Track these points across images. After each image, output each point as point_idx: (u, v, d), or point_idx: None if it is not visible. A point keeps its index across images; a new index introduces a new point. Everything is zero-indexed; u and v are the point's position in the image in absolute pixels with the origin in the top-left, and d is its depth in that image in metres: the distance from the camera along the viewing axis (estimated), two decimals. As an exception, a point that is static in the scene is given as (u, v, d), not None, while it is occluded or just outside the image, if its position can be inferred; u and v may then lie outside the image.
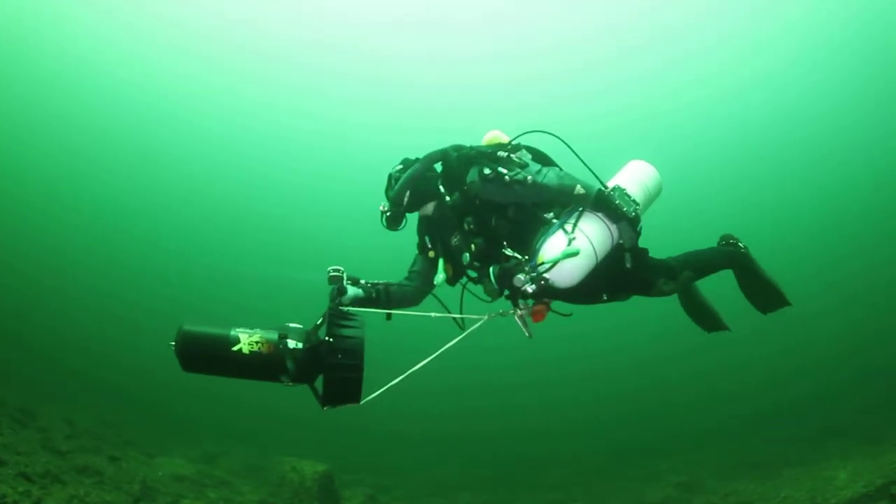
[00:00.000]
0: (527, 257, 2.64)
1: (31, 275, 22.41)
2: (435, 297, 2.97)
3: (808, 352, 16.95)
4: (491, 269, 2.77)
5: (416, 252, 3.11)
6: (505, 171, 2.64)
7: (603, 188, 2.73)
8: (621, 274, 2.87)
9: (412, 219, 3.02)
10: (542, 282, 2.55)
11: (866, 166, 26.43)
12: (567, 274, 2.60)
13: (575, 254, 2.54)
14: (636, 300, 3.01)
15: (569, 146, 2.86)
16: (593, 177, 2.80)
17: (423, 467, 11.61)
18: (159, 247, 28.35)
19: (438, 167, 2.90)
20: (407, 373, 2.37)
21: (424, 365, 2.40)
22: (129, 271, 25.97)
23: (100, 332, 19.87)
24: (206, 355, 2.10)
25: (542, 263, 2.57)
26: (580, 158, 2.83)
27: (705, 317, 3.51)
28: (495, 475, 11.30)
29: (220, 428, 12.34)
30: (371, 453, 11.84)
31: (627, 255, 2.85)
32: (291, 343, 2.17)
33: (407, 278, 3.07)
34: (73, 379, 13.24)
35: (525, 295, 2.63)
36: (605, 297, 2.94)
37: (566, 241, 2.59)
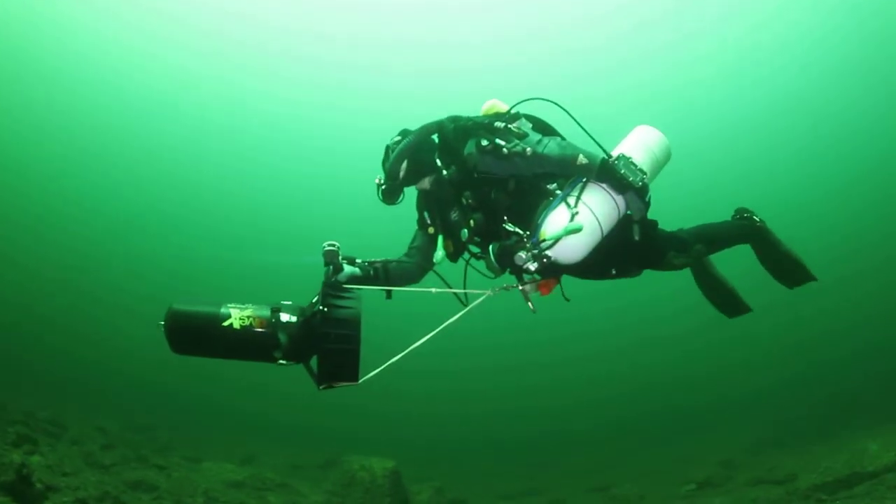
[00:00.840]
0: (528, 233, 2.50)
1: (32, 269, 22.57)
2: (436, 273, 2.84)
3: (815, 326, 16.74)
4: (490, 247, 2.64)
5: (417, 228, 2.99)
6: (503, 142, 2.52)
7: (606, 157, 2.53)
8: (630, 247, 2.70)
9: (409, 195, 2.89)
10: (545, 259, 2.42)
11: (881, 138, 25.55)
12: (571, 250, 2.45)
13: (578, 230, 2.39)
14: (651, 277, 2.87)
15: (569, 114, 2.69)
16: (596, 146, 2.63)
17: (455, 450, 11.67)
18: (149, 234, 28.18)
19: (436, 139, 2.77)
20: (407, 350, 2.22)
21: (425, 342, 2.26)
22: (134, 263, 26.01)
23: (112, 326, 19.88)
24: (196, 334, 1.99)
25: (544, 240, 2.43)
26: (581, 126, 2.67)
27: (723, 297, 3.33)
28: (532, 458, 11.32)
29: (246, 426, 12.33)
30: (403, 442, 11.76)
31: (636, 228, 2.68)
32: (285, 317, 2.06)
33: (406, 255, 2.94)
34: (89, 380, 13.26)
35: (528, 273, 2.50)
36: (613, 272, 2.80)
37: (569, 216, 2.44)
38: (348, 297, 2.14)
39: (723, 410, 12.70)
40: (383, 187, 2.73)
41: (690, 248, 2.92)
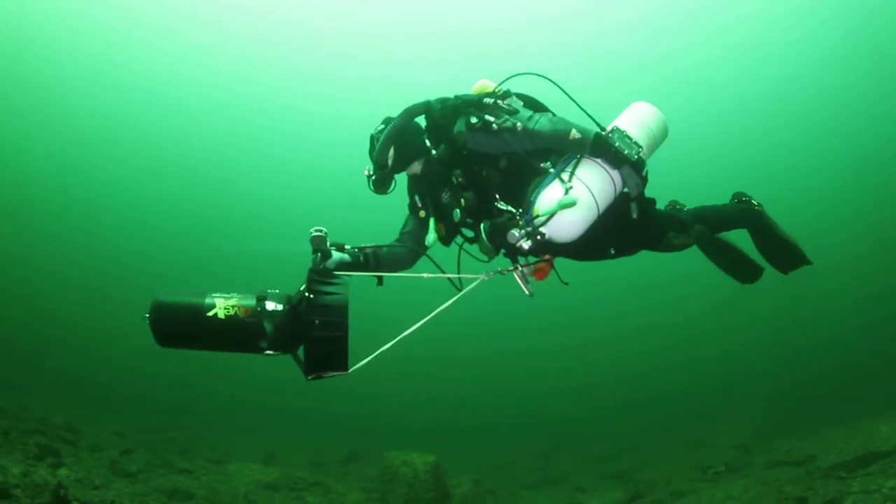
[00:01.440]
0: (521, 210, 2.42)
1: (32, 265, 22.56)
2: (429, 258, 2.75)
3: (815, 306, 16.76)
4: (482, 225, 2.56)
5: (408, 213, 2.92)
6: (492, 118, 2.46)
7: (600, 131, 2.46)
8: (627, 226, 2.64)
9: (401, 182, 2.82)
10: (539, 237, 2.34)
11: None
12: (566, 227, 2.37)
13: (572, 203, 2.31)
14: (654, 262, 2.97)
15: (561, 88, 2.59)
16: (590, 121, 2.55)
17: (458, 437, 11.62)
18: (140, 225, 28.23)
19: (422, 121, 2.70)
20: (399, 337, 2.15)
21: (417, 328, 2.19)
22: (126, 257, 25.97)
23: (105, 321, 19.52)
24: (181, 326, 1.94)
25: (538, 216, 2.35)
26: (575, 101, 2.57)
27: (734, 262, 3.25)
28: (538, 445, 11.32)
29: (257, 422, 12.24)
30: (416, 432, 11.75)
31: (633, 205, 2.62)
32: (270, 306, 2.00)
33: (398, 240, 2.86)
34: (86, 377, 12.98)
35: (521, 252, 2.43)
36: (612, 252, 2.73)
37: (563, 191, 2.35)
38: (335, 283, 2.08)
39: (727, 395, 12.86)
40: (373, 178, 2.67)
41: (690, 229, 2.87)
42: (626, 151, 2.37)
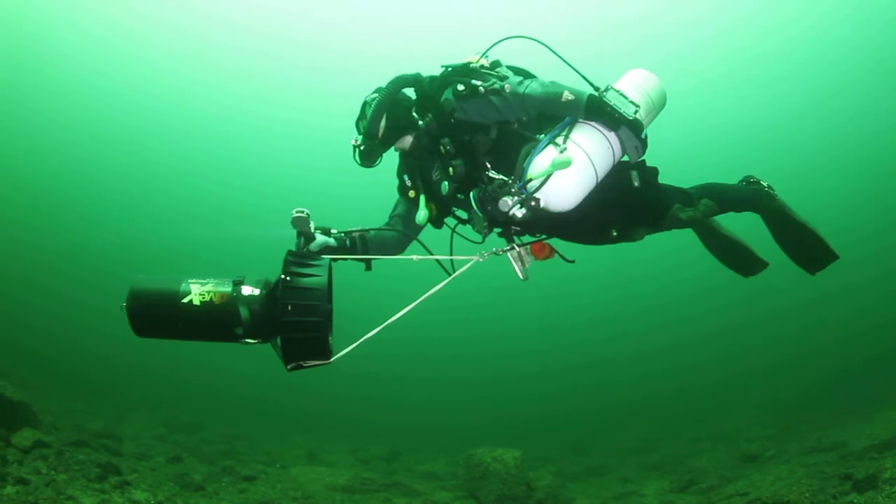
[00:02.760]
0: (513, 178, 2.26)
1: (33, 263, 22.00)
2: (419, 242, 2.61)
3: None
4: (472, 193, 2.40)
5: (398, 196, 2.77)
6: (479, 82, 2.32)
7: (595, 91, 2.30)
8: (629, 197, 2.47)
9: (389, 162, 2.68)
10: (533, 203, 2.19)
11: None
12: (563, 192, 2.20)
13: (567, 163, 2.15)
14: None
15: (554, 52, 2.42)
16: (586, 84, 2.38)
17: (486, 432, 11.31)
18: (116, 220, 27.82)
19: (413, 94, 2.56)
20: (387, 322, 2.03)
21: (406, 313, 2.07)
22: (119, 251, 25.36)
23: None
24: (156, 314, 1.87)
25: (531, 180, 2.20)
26: (569, 64, 2.40)
27: (737, 256, 3.06)
28: (567, 437, 11.43)
29: (279, 418, 11.99)
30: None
31: (634, 174, 2.46)
32: (247, 290, 1.89)
33: (387, 224, 2.73)
34: (94, 373, 12.77)
35: (516, 222, 2.29)
36: (614, 233, 2.54)
37: (557, 153, 2.19)
38: (313, 265, 1.94)
39: (747, 390, 13.02)
40: (361, 148, 2.53)
41: (697, 202, 2.68)
42: (622, 109, 2.23)
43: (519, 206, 2.21)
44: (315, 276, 1.88)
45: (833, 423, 8.66)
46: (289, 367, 1.86)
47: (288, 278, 1.85)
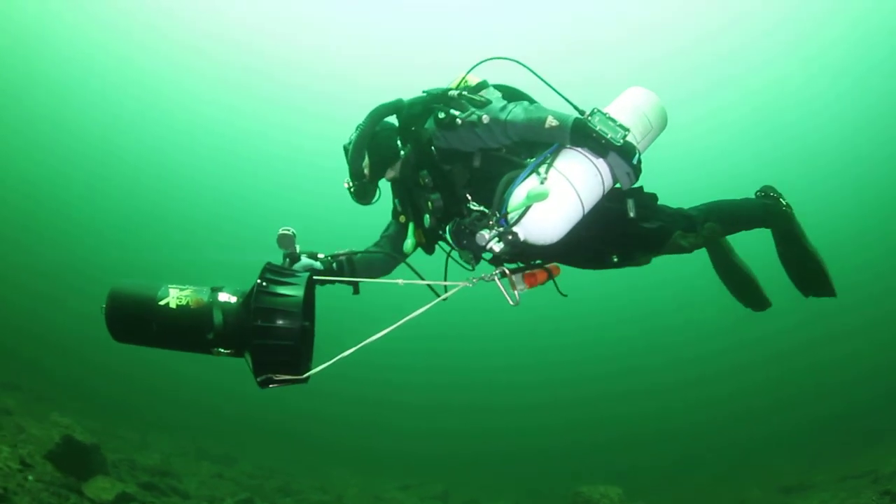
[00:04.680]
0: (493, 210, 2.11)
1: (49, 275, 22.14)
2: (407, 265, 2.52)
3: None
4: (448, 227, 2.28)
5: (391, 218, 2.68)
6: (457, 112, 2.18)
7: (580, 115, 2.09)
8: (625, 226, 2.31)
9: (386, 187, 2.58)
10: (510, 237, 2.04)
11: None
12: (544, 225, 2.04)
13: (543, 196, 1.98)
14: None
15: (535, 73, 2.24)
16: (571, 108, 2.20)
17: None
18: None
19: (396, 121, 2.45)
20: (365, 342, 1.92)
21: (388, 332, 1.95)
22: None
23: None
24: (133, 316, 1.81)
25: (511, 213, 2.05)
26: (551, 86, 2.23)
27: (742, 288, 2.89)
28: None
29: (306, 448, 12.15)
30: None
31: (630, 202, 2.28)
32: (223, 297, 1.83)
33: (376, 244, 2.64)
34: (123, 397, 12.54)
35: (497, 256, 2.16)
36: (615, 260, 2.39)
37: (537, 183, 2.02)
38: (291, 275, 1.88)
39: (756, 423, 13.16)
40: (352, 189, 2.46)
41: (701, 227, 2.48)
42: (609, 136, 2.01)
43: (497, 239, 2.06)
44: (291, 285, 1.81)
45: (854, 454, 8.94)
46: (259, 378, 1.76)
47: (263, 283, 1.79)
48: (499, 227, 2.06)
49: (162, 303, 1.80)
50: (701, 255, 2.83)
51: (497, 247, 2.05)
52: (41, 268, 22.61)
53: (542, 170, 2.07)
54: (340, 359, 1.86)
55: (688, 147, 26.00)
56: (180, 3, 25.60)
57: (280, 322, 1.72)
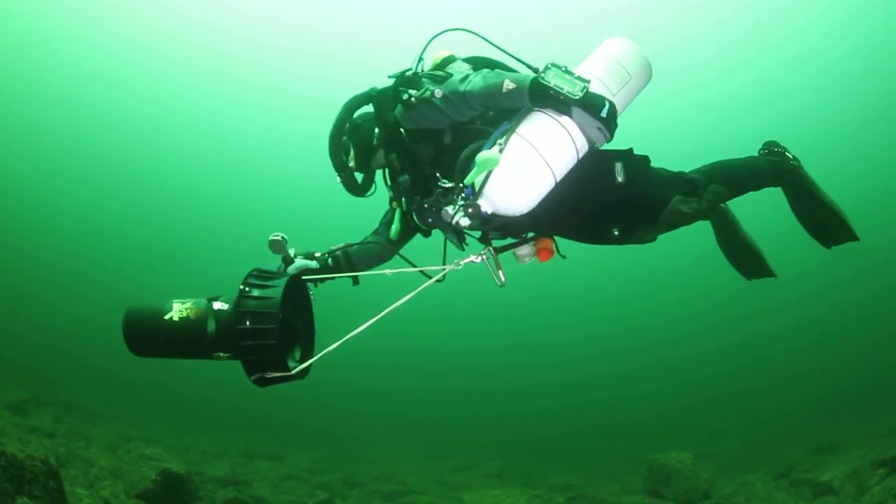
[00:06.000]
0: (461, 184, 1.99)
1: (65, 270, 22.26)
2: (400, 255, 2.49)
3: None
4: (412, 210, 2.22)
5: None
6: (413, 91, 2.12)
7: (535, 74, 1.92)
8: (615, 192, 2.16)
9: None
10: (471, 209, 1.94)
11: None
12: (508, 195, 1.92)
13: (493, 161, 1.87)
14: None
15: (482, 37, 2.23)
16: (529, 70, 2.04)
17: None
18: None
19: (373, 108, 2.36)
20: (355, 331, 1.93)
21: (378, 319, 1.95)
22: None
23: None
24: (144, 331, 1.97)
25: (472, 185, 1.95)
26: (499, 48, 2.17)
27: (744, 257, 2.72)
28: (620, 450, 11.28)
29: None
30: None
31: (618, 165, 2.14)
32: (218, 305, 1.92)
33: (375, 232, 2.60)
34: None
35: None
36: (616, 233, 2.23)
37: (497, 151, 1.89)
38: (272, 277, 1.98)
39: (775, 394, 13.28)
40: (341, 181, 2.43)
41: (704, 190, 2.26)
42: (565, 90, 1.85)
43: (461, 213, 1.97)
44: (270, 287, 1.90)
45: (883, 414, 9.07)
46: (252, 378, 1.89)
47: (246, 288, 1.89)
48: (462, 200, 1.96)
49: (166, 317, 1.94)
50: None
51: (464, 221, 1.97)
52: (50, 277, 22.92)
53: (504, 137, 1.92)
54: (327, 353, 1.94)
55: (691, 112, 26.15)
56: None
57: (258, 323, 1.81)
